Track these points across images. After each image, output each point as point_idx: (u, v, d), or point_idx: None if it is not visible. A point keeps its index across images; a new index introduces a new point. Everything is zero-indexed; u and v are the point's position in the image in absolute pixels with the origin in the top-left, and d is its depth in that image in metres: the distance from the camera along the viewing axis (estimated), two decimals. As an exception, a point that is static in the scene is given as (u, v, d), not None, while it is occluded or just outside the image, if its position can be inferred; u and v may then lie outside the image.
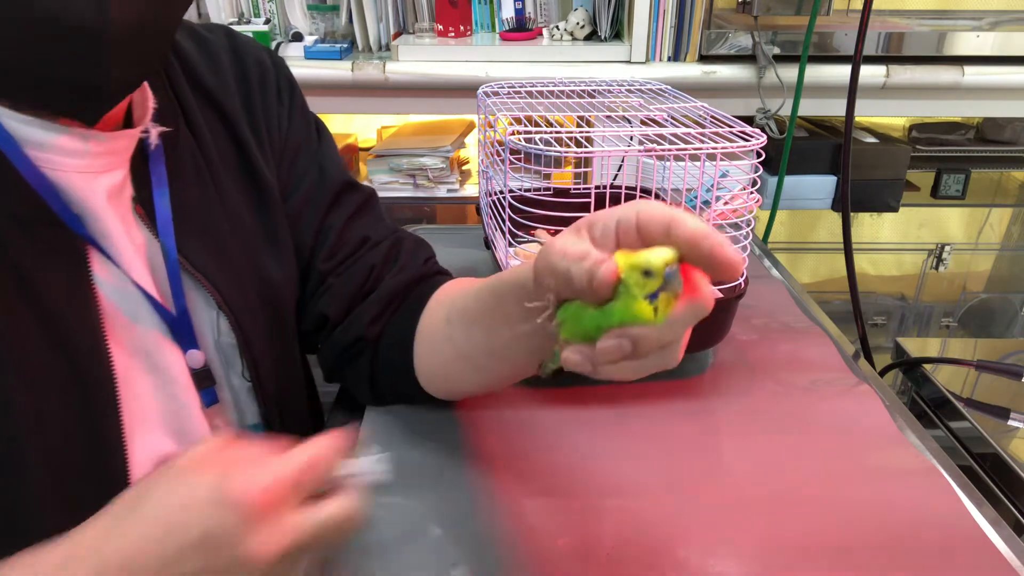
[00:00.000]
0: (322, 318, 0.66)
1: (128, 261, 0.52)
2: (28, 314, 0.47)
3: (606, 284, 0.38)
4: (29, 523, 0.47)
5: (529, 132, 0.66)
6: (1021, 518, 0.70)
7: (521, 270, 0.50)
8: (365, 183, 1.57)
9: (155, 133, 0.54)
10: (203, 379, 0.57)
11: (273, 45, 1.42)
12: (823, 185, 1.47)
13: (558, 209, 0.66)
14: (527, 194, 0.84)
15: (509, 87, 0.86)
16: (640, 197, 0.84)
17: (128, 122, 0.54)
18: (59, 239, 0.49)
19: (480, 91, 0.84)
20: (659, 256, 0.37)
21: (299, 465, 0.39)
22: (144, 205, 0.54)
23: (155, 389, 0.54)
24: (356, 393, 0.69)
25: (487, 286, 0.56)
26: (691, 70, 1.40)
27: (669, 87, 0.86)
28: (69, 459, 0.49)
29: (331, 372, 0.69)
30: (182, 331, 0.55)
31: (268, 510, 0.37)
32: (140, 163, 0.54)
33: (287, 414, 0.63)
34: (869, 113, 1.48)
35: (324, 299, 0.65)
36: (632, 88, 0.88)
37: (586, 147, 0.66)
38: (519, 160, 0.72)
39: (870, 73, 1.38)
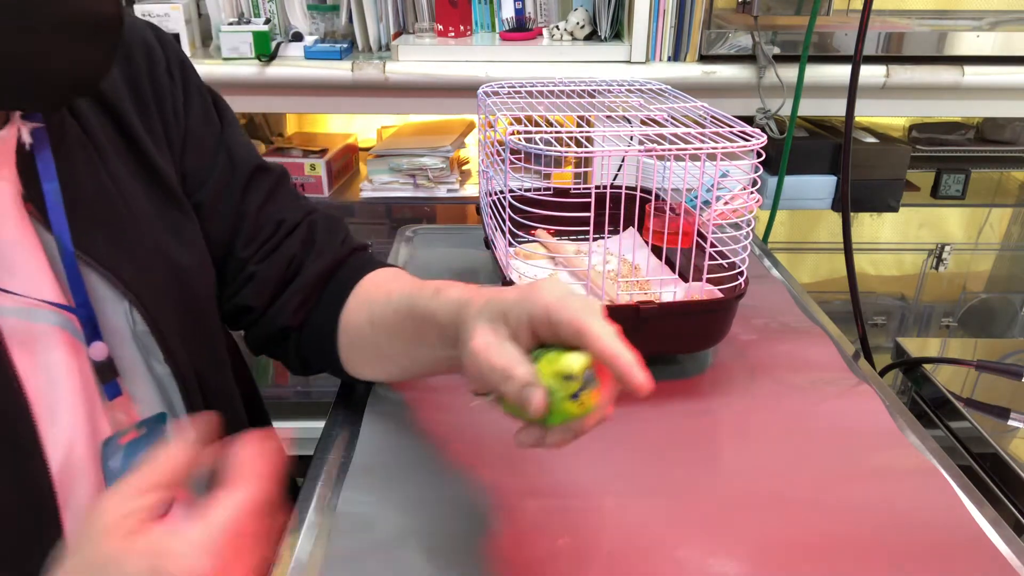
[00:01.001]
0: (246, 308, 0.67)
1: (21, 266, 0.52)
2: None
3: (539, 413, 0.42)
4: None
5: (529, 132, 0.66)
6: (1021, 518, 0.70)
7: (440, 308, 0.53)
8: (365, 182, 1.59)
9: (25, 131, 0.52)
10: (106, 372, 0.56)
11: (273, 45, 1.42)
12: (823, 185, 1.47)
13: (558, 209, 0.66)
14: (527, 194, 0.84)
15: (509, 87, 0.86)
16: (640, 197, 0.84)
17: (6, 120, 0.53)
18: None
19: (480, 91, 0.84)
20: (577, 364, 0.42)
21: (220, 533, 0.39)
22: (35, 202, 0.53)
23: (56, 386, 0.53)
24: (285, 366, 0.73)
25: (406, 305, 0.59)
26: (691, 70, 1.40)
27: (669, 87, 0.86)
28: None
29: (258, 351, 0.72)
30: (83, 325, 0.55)
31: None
32: (27, 159, 0.53)
33: (211, 397, 0.64)
34: (869, 113, 1.48)
35: (246, 290, 0.66)
36: (632, 88, 0.88)
37: (586, 147, 0.66)
38: (519, 160, 0.72)
39: (870, 73, 1.38)
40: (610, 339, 0.42)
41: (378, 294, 0.64)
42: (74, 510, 0.55)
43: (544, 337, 0.45)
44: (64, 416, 0.54)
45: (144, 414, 0.60)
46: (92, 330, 0.55)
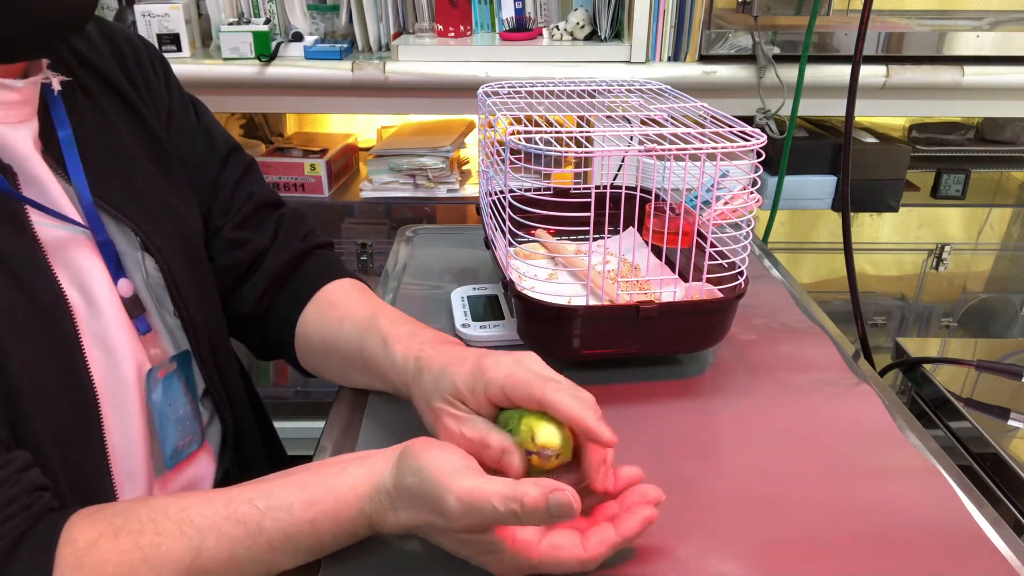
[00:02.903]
0: None
1: (58, 199, 0.55)
2: None
3: (521, 474, 0.48)
4: (21, 426, 0.50)
5: (529, 132, 0.66)
6: (1021, 518, 0.70)
7: (388, 364, 0.59)
8: (365, 182, 1.58)
9: (56, 80, 0.57)
10: (134, 308, 0.60)
11: (273, 45, 1.42)
12: (823, 185, 1.47)
13: (558, 209, 0.66)
14: (527, 194, 0.84)
15: (509, 87, 0.86)
16: (640, 197, 0.84)
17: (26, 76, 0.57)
18: None
19: (480, 91, 0.84)
20: (553, 441, 0.48)
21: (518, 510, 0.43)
22: (53, 155, 0.57)
23: (96, 318, 0.56)
24: (251, 351, 0.77)
25: (355, 344, 0.63)
26: (691, 70, 1.40)
27: (669, 87, 0.86)
28: (47, 386, 0.52)
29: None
30: (109, 259, 0.58)
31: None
32: (44, 116, 0.57)
33: (215, 346, 0.68)
34: (869, 113, 1.48)
35: (216, 264, 0.70)
36: (632, 88, 0.88)
37: (586, 147, 0.66)
38: (519, 160, 0.72)
39: (870, 73, 1.38)
40: (570, 405, 0.47)
41: (331, 316, 0.68)
42: (119, 432, 0.58)
43: (502, 405, 0.50)
44: (112, 338, 0.57)
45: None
46: (117, 267, 0.59)
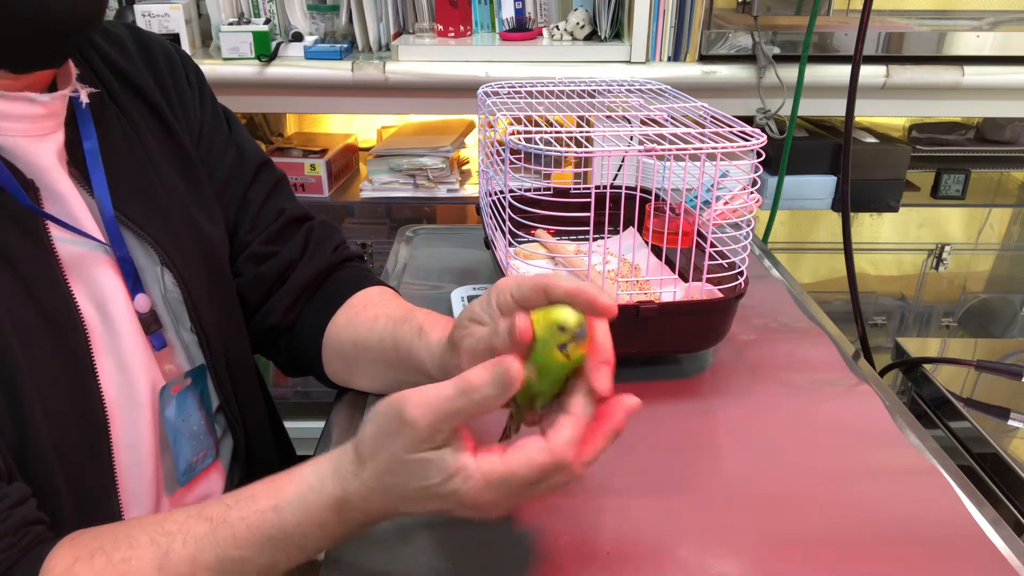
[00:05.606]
0: (241, 299, 0.70)
1: (79, 214, 0.56)
2: (4, 276, 0.51)
3: (525, 335, 0.44)
4: (28, 448, 0.50)
5: (529, 132, 0.66)
6: (1021, 518, 0.70)
7: (423, 351, 0.58)
8: (365, 182, 1.58)
9: (84, 93, 0.58)
10: (151, 323, 0.60)
11: (273, 45, 1.42)
12: (823, 185, 1.47)
13: (558, 209, 0.66)
14: (527, 194, 0.84)
15: (509, 87, 0.86)
16: (640, 197, 0.84)
17: (54, 89, 0.57)
18: (13, 204, 0.52)
19: (480, 91, 0.84)
20: (571, 316, 0.44)
21: (525, 464, 0.42)
22: (78, 167, 0.57)
23: (111, 334, 0.56)
24: (276, 365, 0.76)
25: (390, 336, 0.62)
26: (691, 70, 1.40)
27: (669, 87, 0.86)
28: (57, 404, 0.52)
29: (252, 349, 0.74)
30: (128, 275, 0.58)
31: (499, 491, 0.42)
32: (71, 128, 0.57)
33: (231, 361, 0.67)
34: (869, 113, 1.48)
35: (244, 279, 0.70)
36: (632, 88, 0.88)
37: (586, 147, 0.66)
38: (519, 160, 0.72)
39: (870, 73, 1.38)
40: (572, 281, 0.45)
41: (364, 317, 0.67)
42: (129, 450, 0.57)
43: (510, 311, 0.48)
44: (127, 355, 0.57)
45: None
46: (135, 282, 0.59)
